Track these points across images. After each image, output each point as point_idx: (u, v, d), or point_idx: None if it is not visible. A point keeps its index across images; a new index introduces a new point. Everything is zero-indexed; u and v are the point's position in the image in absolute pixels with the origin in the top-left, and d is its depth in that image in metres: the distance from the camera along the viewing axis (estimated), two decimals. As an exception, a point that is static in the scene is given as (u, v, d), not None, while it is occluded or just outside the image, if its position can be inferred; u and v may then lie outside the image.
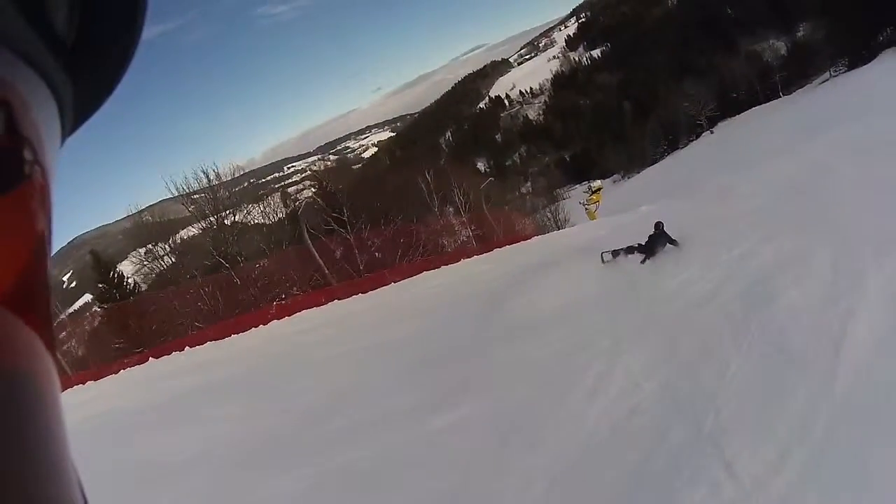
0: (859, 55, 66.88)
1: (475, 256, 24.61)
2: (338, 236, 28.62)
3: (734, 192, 15.16)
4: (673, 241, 12.14)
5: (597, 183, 42.52)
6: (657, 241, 12.42)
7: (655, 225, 12.77)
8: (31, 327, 0.28)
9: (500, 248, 25.80)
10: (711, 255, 10.28)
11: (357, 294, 20.74)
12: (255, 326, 18.67)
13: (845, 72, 69.72)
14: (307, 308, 19.91)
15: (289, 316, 19.47)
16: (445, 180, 38.27)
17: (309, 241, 23.36)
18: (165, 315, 23.94)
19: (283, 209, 39.70)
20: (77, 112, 0.36)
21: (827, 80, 74.11)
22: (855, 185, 10.28)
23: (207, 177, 30.13)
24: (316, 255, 23.27)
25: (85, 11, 0.34)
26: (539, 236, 30.00)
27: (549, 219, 52.28)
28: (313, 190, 36.05)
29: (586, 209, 37.71)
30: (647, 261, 12.21)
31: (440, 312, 13.89)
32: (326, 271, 23.52)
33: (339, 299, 20.30)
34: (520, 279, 13.75)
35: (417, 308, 15.48)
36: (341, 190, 33.58)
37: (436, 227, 33.39)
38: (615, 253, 13.17)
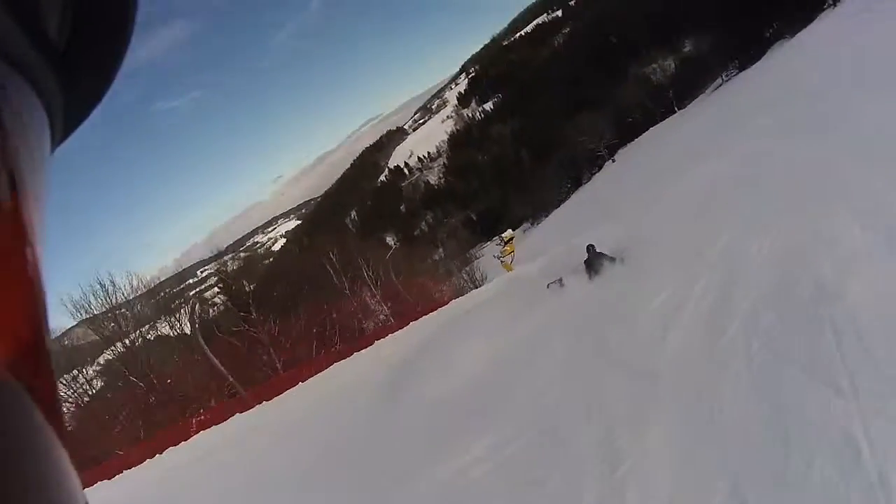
0: (749, 55, 69.57)
1: (389, 336, 23.44)
2: (249, 337, 27.27)
3: (663, 204, 14.30)
4: (612, 258, 11.98)
5: (508, 233, 42.03)
6: (595, 261, 12.30)
7: (587, 249, 12.74)
8: (29, 336, 0.27)
9: (415, 320, 24.74)
10: (680, 265, 8.14)
11: (264, 401, 19.43)
12: (177, 443, 17.70)
13: (737, 74, 72.17)
14: (221, 421, 18.68)
15: (202, 430, 18.30)
16: (352, 260, 37.08)
17: (206, 349, 22.29)
18: (85, 445, 22.00)
19: (194, 317, 38.18)
20: (67, 120, 0.36)
21: (720, 85, 76.45)
22: (803, 166, 9.50)
23: (106, 293, 29.14)
24: (217, 363, 22.01)
25: (76, 17, 0.34)
26: (456, 299, 29.12)
27: (465, 280, 51.51)
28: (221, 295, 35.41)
29: (501, 262, 37.10)
30: (594, 278, 11.88)
31: (344, 418, 11.97)
32: (231, 379, 22.14)
33: (242, 411, 19.00)
34: (435, 351, 12.24)
35: (322, 414, 13.75)
36: (246, 290, 32.60)
37: (349, 309, 31.99)
38: (560, 281, 12.92)
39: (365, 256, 37.73)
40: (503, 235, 42.20)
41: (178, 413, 23.20)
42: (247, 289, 34.43)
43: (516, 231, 61.34)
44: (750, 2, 68.13)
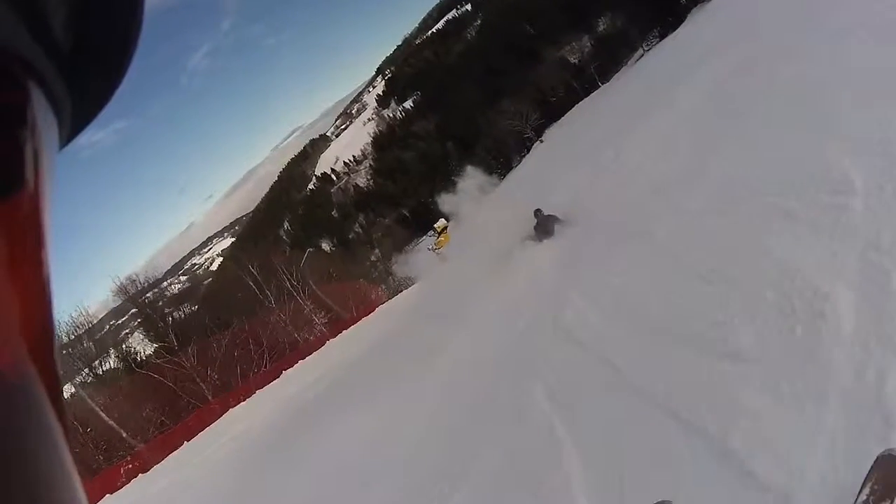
0: (668, 23, 68.49)
1: (300, 363, 21.97)
2: (172, 369, 25.18)
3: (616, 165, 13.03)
4: (559, 220, 11.82)
5: (441, 222, 39.87)
6: (546, 224, 12.05)
7: (535, 214, 12.46)
8: (41, 334, 0.27)
9: (333, 338, 23.65)
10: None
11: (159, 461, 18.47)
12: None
13: (658, 42, 70.57)
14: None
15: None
16: (276, 271, 34.72)
17: (90, 402, 21.09)
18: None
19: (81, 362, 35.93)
20: (75, 119, 0.36)
21: (641, 56, 74.89)
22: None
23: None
24: (103, 415, 20.46)
25: (83, 15, 0.33)
26: (382, 304, 27.69)
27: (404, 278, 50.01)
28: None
29: (437, 253, 35.35)
30: (545, 241, 11.74)
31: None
32: (124, 434, 20.60)
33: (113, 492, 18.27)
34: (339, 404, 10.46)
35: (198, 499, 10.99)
36: (166, 320, 30.75)
37: (278, 323, 29.91)
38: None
39: (286, 266, 35.64)
40: (436, 226, 40.18)
41: (105, 460, 21.29)
42: (167, 318, 32.43)
43: (450, 223, 59.73)
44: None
